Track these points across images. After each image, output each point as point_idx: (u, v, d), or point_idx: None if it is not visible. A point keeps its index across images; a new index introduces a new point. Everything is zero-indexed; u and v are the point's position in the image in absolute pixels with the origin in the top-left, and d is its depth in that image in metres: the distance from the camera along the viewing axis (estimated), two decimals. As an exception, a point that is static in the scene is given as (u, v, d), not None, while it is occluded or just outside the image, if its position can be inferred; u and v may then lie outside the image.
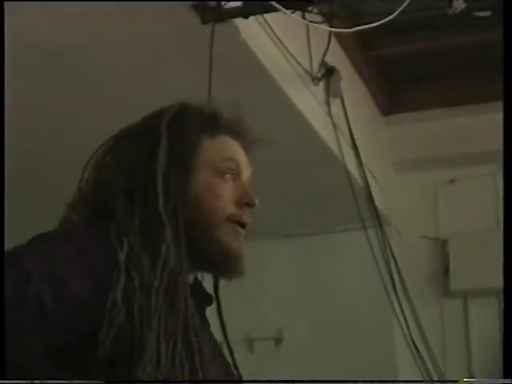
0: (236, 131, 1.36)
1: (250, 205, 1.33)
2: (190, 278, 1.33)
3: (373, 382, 1.30)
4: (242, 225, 1.32)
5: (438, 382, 3.55)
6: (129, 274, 1.19)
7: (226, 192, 1.31)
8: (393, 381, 3.18)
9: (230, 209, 1.31)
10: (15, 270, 1.15)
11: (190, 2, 2.42)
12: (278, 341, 4.08)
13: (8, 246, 1.25)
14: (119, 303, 1.16)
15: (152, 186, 1.27)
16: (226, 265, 1.31)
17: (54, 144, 3.17)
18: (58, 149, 3.21)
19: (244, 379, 1.39)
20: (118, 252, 1.21)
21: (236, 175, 1.34)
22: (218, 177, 1.32)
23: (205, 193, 1.30)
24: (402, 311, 3.58)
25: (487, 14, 2.38)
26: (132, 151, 1.31)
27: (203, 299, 1.35)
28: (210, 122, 1.34)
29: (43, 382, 1.11)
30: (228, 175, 1.32)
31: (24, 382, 1.12)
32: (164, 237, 1.24)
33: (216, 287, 1.39)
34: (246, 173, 1.36)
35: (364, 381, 1.22)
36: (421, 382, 3.23)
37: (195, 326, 1.22)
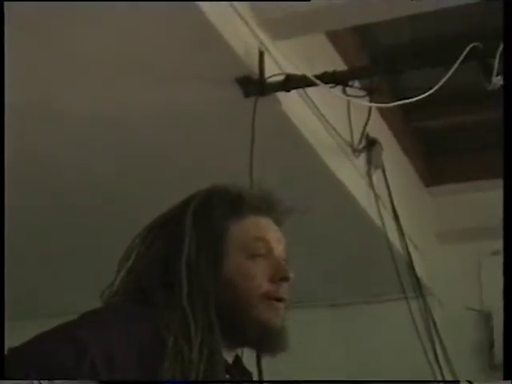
0: (265, 208, 1.36)
1: (285, 279, 1.32)
2: (230, 357, 1.32)
3: (373, 381, 1.27)
4: (280, 300, 1.31)
5: (440, 382, 3.46)
6: (173, 367, 1.20)
7: (259, 272, 1.31)
8: (395, 381, 3.10)
9: (265, 286, 1.30)
10: (72, 339, 1.18)
11: (234, 76, 2.45)
12: (319, 414, 4.01)
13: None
14: None
15: (179, 278, 1.28)
16: (268, 341, 1.30)
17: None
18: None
19: None
20: (165, 340, 1.21)
21: (268, 253, 1.33)
22: (249, 259, 1.31)
23: (238, 275, 1.30)
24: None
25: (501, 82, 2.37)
26: (162, 243, 1.33)
27: (242, 375, 1.34)
28: (236, 204, 1.35)
29: (43, 381, 1.12)
30: (259, 255, 1.32)
31: (24, 381, 1.13)
32: (194, 329, 1.24)
33: (259, 363, 1.38)
34: (279, 247, 1.35)
35: (364, 381, 1.19)
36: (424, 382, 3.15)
37: None
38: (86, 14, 2.14)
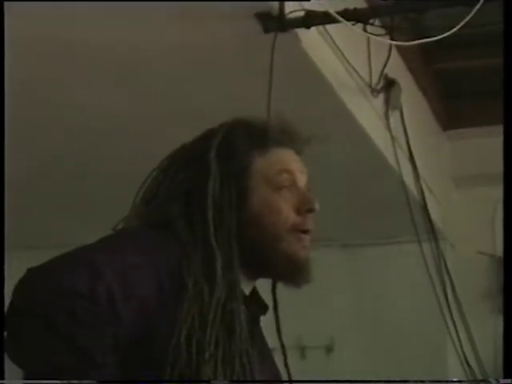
0: (286, 139, 1.35)
1: (311, 210, 1.31)
2: (248, 289, 1.33)
3: (375, 382, 1.29)
4: (306, 232, 1.31)
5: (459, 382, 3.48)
6: (191, 304, 1.20)
7: (285, 204, 1.30)
8: (401, 381, 3.11)
9: (292, 219, 1.30)
10: (87, 265, 1.17)
11: (254, 11, 2.42)
12: (328, 349, 4.06)
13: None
14: (182, 337, 1.17)
15: (205, 215, 1.27)
16: (294, 273, 1.31)
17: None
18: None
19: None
20: (185, 278, 1.22)
21: (292, 184, 1.32)
22: (274, 192, 1.30)
23: (264, 210, 1.29)
24: (455, 326, 3.52)
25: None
26: (185, 178, 1.32)
27: (259, 308, 1.35)
28: (259, 138, 1.33)
29: (42, 381, 1.11)
30: (284, 188, 1.31)
31: (23, 382, 1.12)
32: (217, 267, 1.24)
33: (274, 295, 1.39)
34: (302, 178, 1.34)
35: (364, 381, 1.20)
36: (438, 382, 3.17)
37: (249, 352, 1.23)
38: None
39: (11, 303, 1.17)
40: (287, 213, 1.30)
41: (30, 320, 1.14)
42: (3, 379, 1.14)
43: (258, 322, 1.35)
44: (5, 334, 1.17)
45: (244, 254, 1.27)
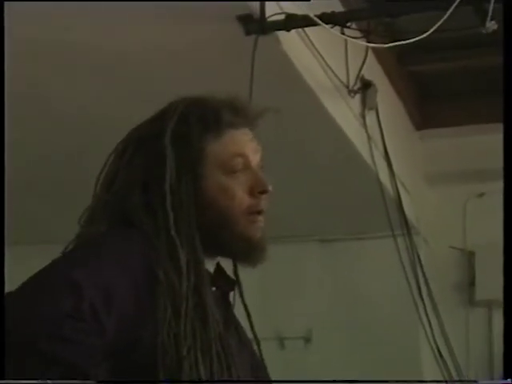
0: (240, 119, 1.31)
1: (263, 192, 1.30)
2: (212, 267, 1.31)
3: (374, 381, 1.29)
4: (259, 212, 1.30)
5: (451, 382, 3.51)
6: (165, 298, 1.19)
7: (239, 188, 1.29)
8: (395, 381, 3.13)
9: (246, 202, 1.29)
10: (69, 283, 1.15)
11: (235, 13, 2.43)
12: (306, 340, 4.08)
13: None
14: (164, 335, 1.17)
15: (164, 203, 1.25)
16: (251, 253, 1.30)
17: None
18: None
19: (273, 375, 1.39)
20: (155, 270, 1.20)
21: (246, 167, 1.30)
22: (228, 176, 1.28)
23: (219, 194, 1.28)
24: (428, 317, 3.55)
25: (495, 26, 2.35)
26: (141, 163, 1.29)
27: (227, 283, 1.34)
28: (213, 121, 1.29)
29: (41, 381, 1.09)
30: (238, 171, 1.29)
31: (24, 381, 1.10)
32: (182, 256, 1.22)
33: (236, 272, 1.36)
34: (256, 157, 1.32)
35: (363, 381, 1.20)
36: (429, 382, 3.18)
37: (223, 337, 1.21)
38: None
39: None
40: (241, 196, 1.28)
41: (18, 346, 1.11)
42: (3, 379, 1.11)
43: (228, 300, 1.33)
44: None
45: (202, 237, 1.25)
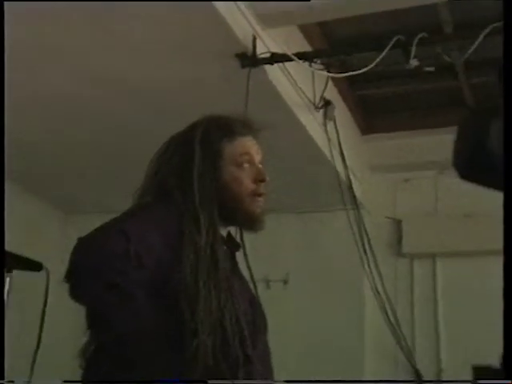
0: (246, 130, 1.34)
1: (263, 180, 1.32)
2: (224, 232, 1.33)
3: (374, 381, 1.21)
4: (260, 195, 1.32)
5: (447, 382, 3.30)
6: (188, 247, 1.19)
7: (246, 177, 1.30)
8: (395, 381, 3.02)
9: (250, 187, 1.30)
10: (120, 233, 1.16)
11: (234, 51, 2.41)
12: (285, 282, 4.10)
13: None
14: (187, 272, 1.16)
15: (192, 186, 1.27)
16: (252, 224, 1.31)
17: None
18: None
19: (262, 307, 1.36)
20: (183, 230, 1.20)
21: (251, 162, 1.32)
22: (238, 168, 1.31)
23: (231, 181, 1.29)
24: (369, 267, 3.56)
25: (432, 69, 2.36)
26: (178, 160, 1.30)
27: (234, 245, 1.35)
28: (228, 130, 1.33)
29: (40, 381, 1.07)
30: (245, 165, 1.31)
31: (23, 381, 1.06)
32: (202, 221, 1.23)
33: (242, 238, 1.38)
34: (258, 157, 1.34)
35: (363, 381, 1.15)
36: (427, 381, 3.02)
37: (229, 278, 1.22)
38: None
39: (70, 263, 1.15)
40: (247, 183, 1.30)
41: (86, 273, 1.13)
42: (3, 379, 1.04)
43: (234, 258, 1.33)
44: (68, 283, 1.14)
45: (219, 211, 1.27)
